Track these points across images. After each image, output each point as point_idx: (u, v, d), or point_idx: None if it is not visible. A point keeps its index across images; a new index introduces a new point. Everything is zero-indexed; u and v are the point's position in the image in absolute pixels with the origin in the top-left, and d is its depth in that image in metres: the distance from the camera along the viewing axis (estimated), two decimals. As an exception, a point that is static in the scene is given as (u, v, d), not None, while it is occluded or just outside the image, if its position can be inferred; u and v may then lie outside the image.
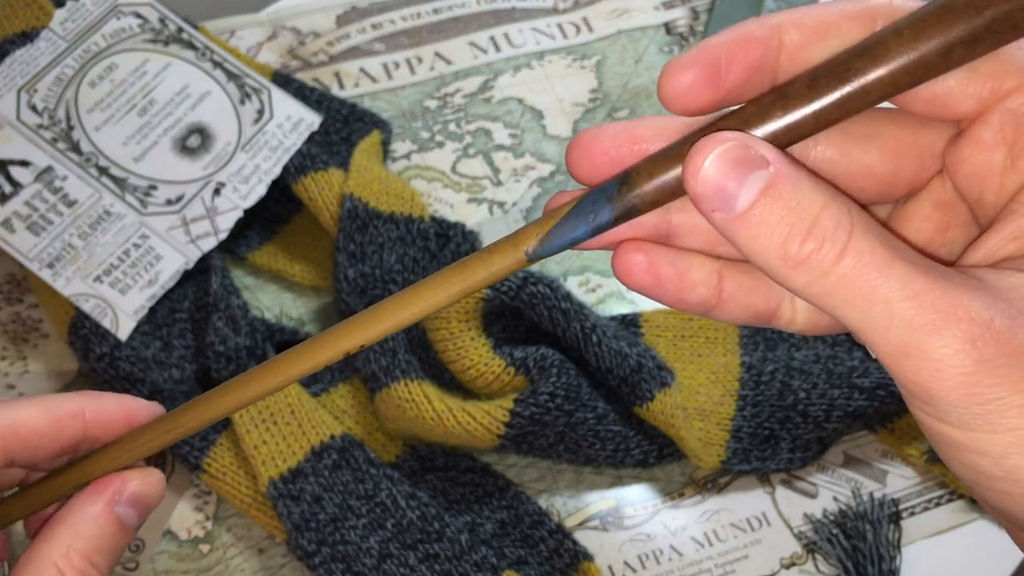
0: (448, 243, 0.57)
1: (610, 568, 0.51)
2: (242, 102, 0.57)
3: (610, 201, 0.24)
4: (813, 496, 0.53)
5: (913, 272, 0.22)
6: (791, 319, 0.27)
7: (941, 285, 0.22)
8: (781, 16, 0.24)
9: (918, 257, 0.23)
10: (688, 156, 0.23)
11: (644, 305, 0.58)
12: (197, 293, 0.55)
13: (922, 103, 0.24)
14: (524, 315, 0.53)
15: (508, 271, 0.25)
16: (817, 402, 0.52)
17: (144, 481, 0.31)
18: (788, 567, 0.51)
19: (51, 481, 0.31)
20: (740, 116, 0.24)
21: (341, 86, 0.65)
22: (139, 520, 0.31)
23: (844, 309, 0.23)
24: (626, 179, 0.24)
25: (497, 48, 0.67)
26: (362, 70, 0.66)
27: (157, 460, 0.52)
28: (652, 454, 0.52)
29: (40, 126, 0.55)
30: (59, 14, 0.57)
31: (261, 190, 0.55)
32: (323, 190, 0.56)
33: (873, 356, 0.24)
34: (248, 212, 0.55)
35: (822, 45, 0.24)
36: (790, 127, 0.23)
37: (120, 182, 0.54)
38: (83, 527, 0.29)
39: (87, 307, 0.52)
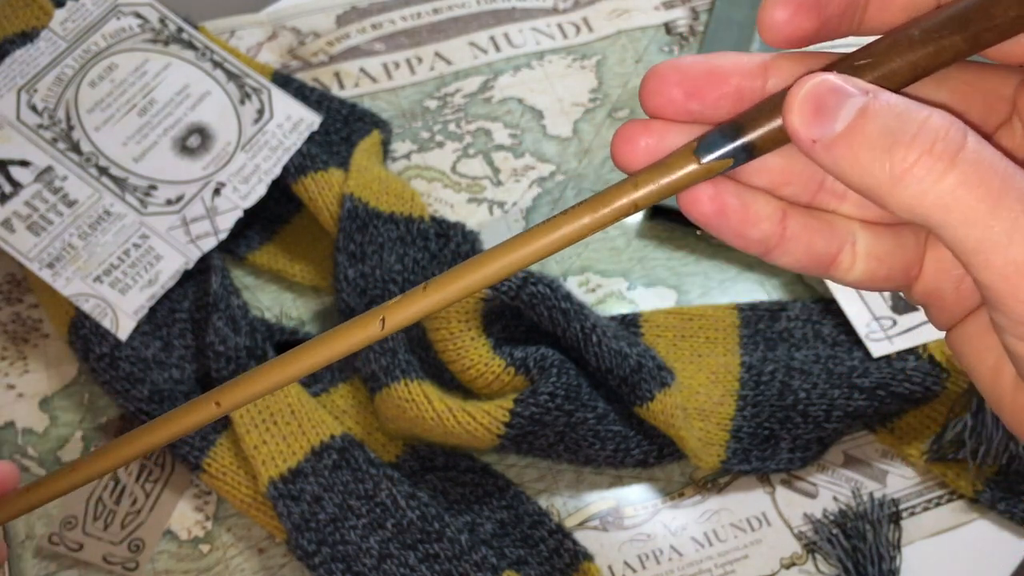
0: (448, 243, 0.57)
1: (610, 568, 0.51)
2: (242, 102, 0.57)
3: (725, 145, 0.24)
4: (813, 496, 0.53)
5: None
6: (850, 266, 0.26)
7: None
8: None
9: None
10: (788, 91, 0.23)
11: (644, 305, 0.58)
12: (197, 293, 0.55)
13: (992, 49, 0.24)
14: (524, 315, 0.53)
15: (689, 183, 0.25)
16: (817, 402, 0.52)
17: None
18: (788, 567, 0.51)
19: None
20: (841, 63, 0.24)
21: (341, 86, 0.65)
22: None
23: (960, 225, 0.21)
24: (739, 127, 0.24)
25: (497, 48, 0.67)
26: (362, 70, 0.66)
27: (158, 459, 0.53)
28: (652, 454, 0.52)
29: (40, 126, 0.55)
30: (59, 14, 0.57)
31: (261, 190, 0.55)
32: (323, 190, 0.56)
33: (978, 280, 0.22)
34: (248, 212, 0.55)
35: None
36: (893, 71, 0.23)
37: (120, 182, 0.54)
38: None
39: (87, 307, 0.52)
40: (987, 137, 0.26)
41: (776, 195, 0.26)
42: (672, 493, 0.53)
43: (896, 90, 0.23)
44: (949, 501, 0.53)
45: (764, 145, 0.24)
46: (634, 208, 0.25)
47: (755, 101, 0.25)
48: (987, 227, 0.21)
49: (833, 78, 0.23)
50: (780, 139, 0.24)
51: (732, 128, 0.24)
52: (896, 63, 0.23)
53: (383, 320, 0.26)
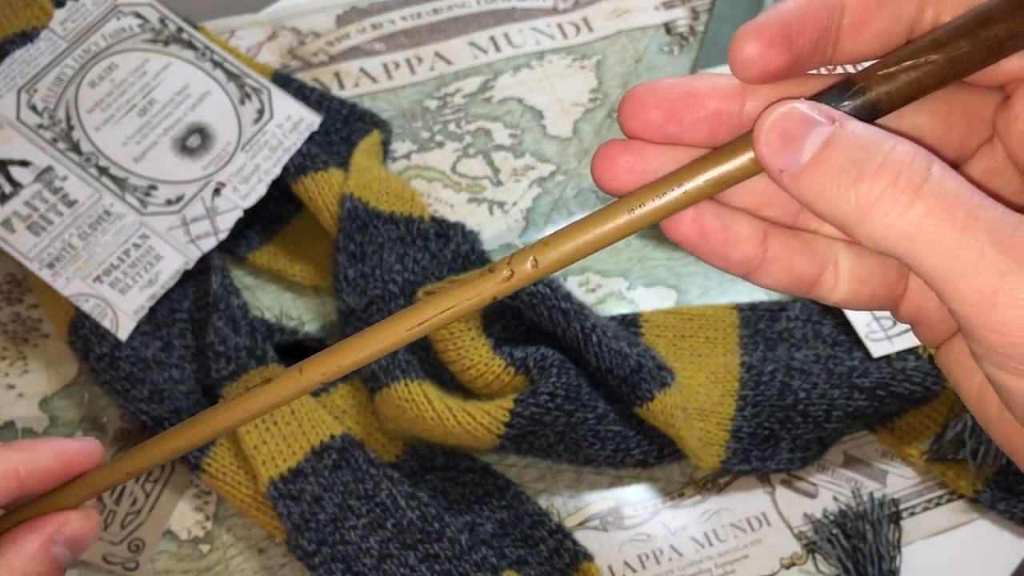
0: (448, 243, 0.57)
1: (610, 568, 0.51)
2: (242, 102, 0.57)
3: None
4: (813, 496, 0.53)
5: (1001, 214, 0.21)
6: (833, 286, 0.26)
7: None
8: None
9: (998, 203, 0.22)
10: (756, 120, 0.23)
11: (644, 305, 0.58)
12: (197, 293, 0.55)
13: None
14: (524, 315, 0.53)
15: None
16: (817, 402, 0.52)
17: (83, 524, 0.30)
18: (788, 567, 0.51)
19: None
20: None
21: (341, 86, 0.65)
22: (72, 560, 0.30)
23: (927, 256, 0.21)
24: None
25: (497, 48, 0.67)
26: (362, 70, 0.66)
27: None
28: (652, 454, 0.52)
29: (40, 126, 0.55)
30: (59, 14, 0.57)
31: (261, 190, 0.55)
32: (323, 190, 0.56)
33: (950, 309, 0.22)
34: (248, 212, 0.55)
35: (881, 11, 0.24)
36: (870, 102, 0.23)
37: (120, 182, 0.54)
38: (18, 562, 0.29)
39: (87, 307, 0.52)
40: (967, 158, 0.26)
41: (757, 216, 0.26)
42: (672, 493, 0.53)
43: (884, 113, 0.23)
44: (949, 501, 0.53)
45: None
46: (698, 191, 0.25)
47: (732, 125, 0.25)
48: (953, 258, 0.21)
49: (800, 106, 0.23)
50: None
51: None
52: (889, 83, 0.23)
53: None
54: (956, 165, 0.26)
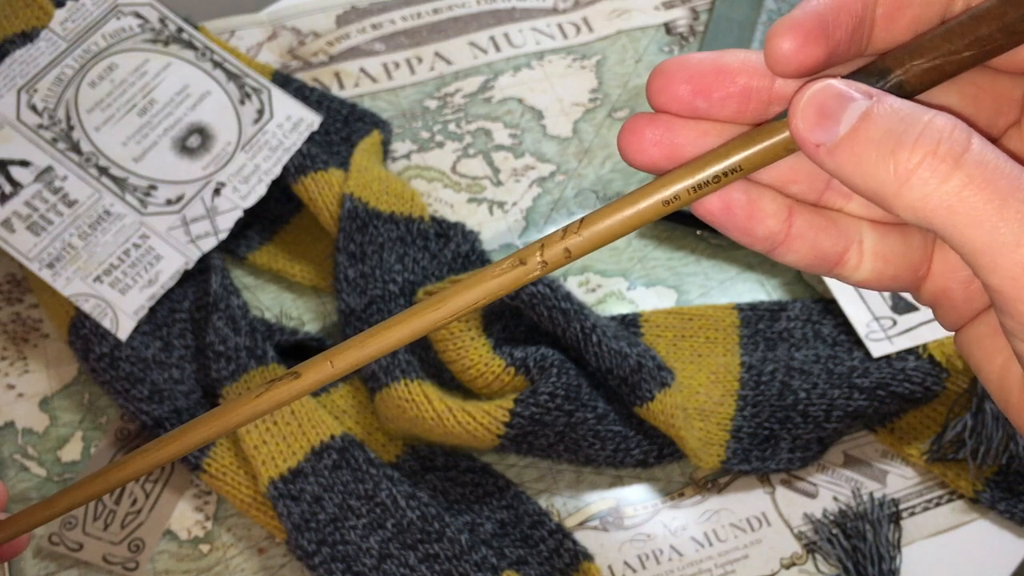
0: (448, 243, 0.57)
1: (610, 568, 0.51)
2: (242, 102, 0.57)
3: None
4: (813, 496, 0.53)
5: None
6: (856, 265, 0.26)
7: None
8: None
9: None
10: (793, 97, 0.23)
11: (644, 305, 0.58)
12: (197, 293, 0.55)
13: (1000, 57, 0.24)
14: (524, 315, 0.53)
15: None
16: (817, 402, 0.52)
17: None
18: (788, 567, 0.51)
19: None
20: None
21: (341, 86, 0.65)
22: None
23: (967, 227, 0.21)
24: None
25: (497, 48, 0.67)
26: (362, 70, 0.66)
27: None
28: (652, 454, 0.52)
29: (40, 126, 0.55)
30: (59, 14, 0.57)
31: (261, 190, 0.55)
32: (323, 190, 0.56)
33: (986, 283, 0.22)
34: (248, 212, 0.55)
35: None
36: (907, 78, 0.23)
37: (120, 182, 0.54)
38: None
39: (87, 307, 0.52)
40: (994, 139, 0.26)
41: (783, 192, 0.26)
42: (672, 493, 0.53)
43: (912, 95, 0.23)
44: (949, 501, 0.53)
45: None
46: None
47: (762, 101, 0.25)
48: (994, 228, 0.21)
49: (836, 83, 0.23)
50: None
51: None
52: (917, 65, 0.23)
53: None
54: None
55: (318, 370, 0.27)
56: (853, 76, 0.24)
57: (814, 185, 0.26)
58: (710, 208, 0.25)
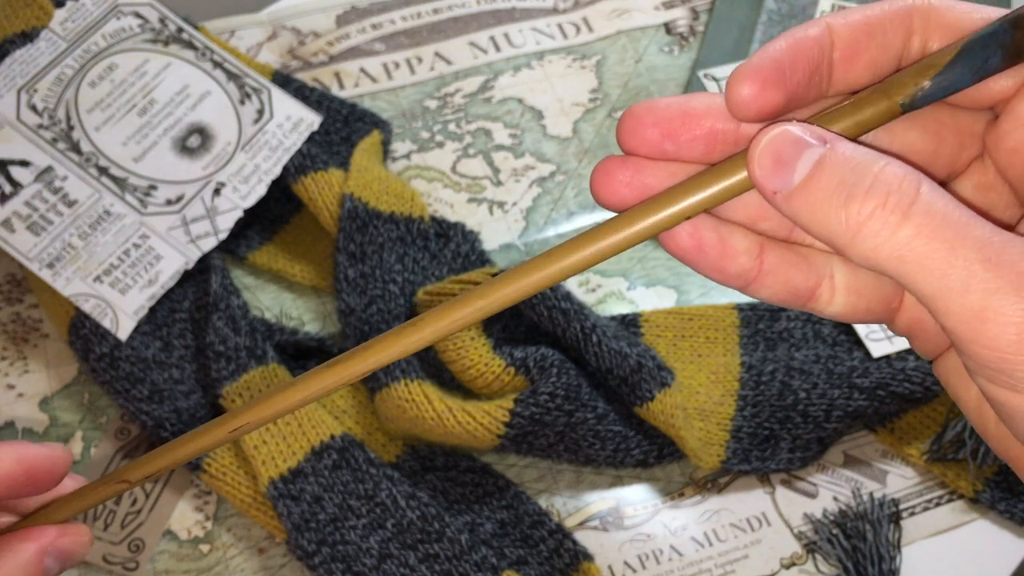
0: (448, 243, 0.57)
1: (610, 568, 0.51)
2: (242, 102, 0.57)
3: (1002, 47, 0.24)
4: (813, 496, 0.53)
5: (989, 232, 0.22)
6: (829, 299, 0.27)
7: (1019, 247, 0.21)
8: (829, 17, 0.25)
9: (987, 221, 0.22)
10: (751, 142, 0.23)
11: (644, 305, 0.58)
12: (197, 293, 0.55)
13: (961, 94, 0.25)
14: (524, 315, 0.53)
15: (878, 123, 0.25)
16: (817, 402, 0.52)
17: (75, 540, 0.30)
18: (788, 567, 0.51)
19: None
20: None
21: (341, 86, 0.65)
22: (58, 573, 0.30)
23: (918, 274, 0.22)
24: (1017, 22, 0.24)
25: (497, 48, 0.67)
26: (362, 70, 0.66)
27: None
28: (652, 454, 0.52)
29: (40, 126, 0.55)
30: (59, 14, 0.57)
31: (261, 190, 0.55)
32: (323, 190, 0.56)
33: (942, 325, 0.23)
34: (248, 212, 0.55)
35: (870, 42, 0.24)
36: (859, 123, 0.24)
37: (120, 182, 0.54)
38: (11, 567, 0.29)
39: (87, 307, 0.52)
40: (958, 173, 0.27)
41: (754, 230, 0.27)
42: (672, 493, 0.53)
43: (865, 132, 0.24)
44: (949, 501, 0.53)
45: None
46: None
47: (728, 143, 0.26)
48: (943, 275, 0.22)
49: (792, 128, 0.23)
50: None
51: (1011, 24, 0.24)
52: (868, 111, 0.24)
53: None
54: (947, 180, 0.27)
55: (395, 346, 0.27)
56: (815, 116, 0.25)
57: (783, 222, 0.27)
58: (683, 247, 0.26)
